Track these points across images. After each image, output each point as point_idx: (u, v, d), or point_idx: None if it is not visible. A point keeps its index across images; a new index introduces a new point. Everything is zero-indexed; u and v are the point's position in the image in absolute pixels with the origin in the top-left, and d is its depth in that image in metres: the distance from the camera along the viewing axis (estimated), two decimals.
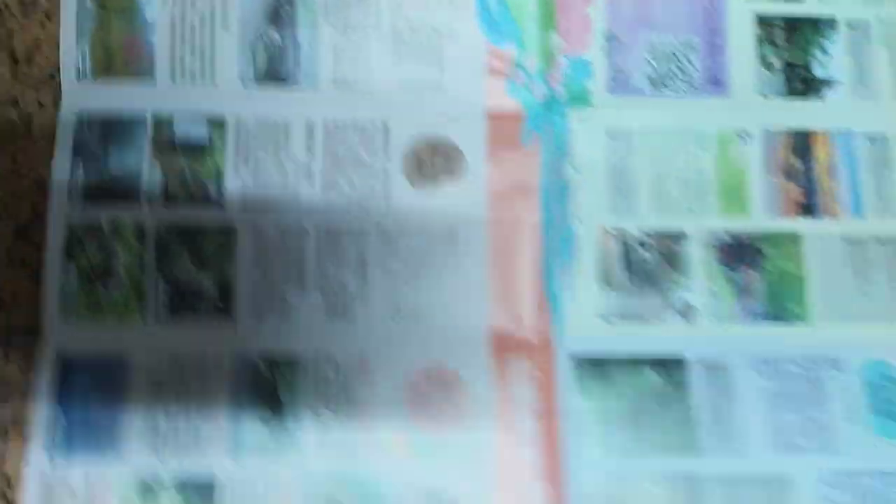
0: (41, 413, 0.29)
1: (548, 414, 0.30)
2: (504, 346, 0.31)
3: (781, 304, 0.32)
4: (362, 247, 0.31)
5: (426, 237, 0.31)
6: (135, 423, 0.29)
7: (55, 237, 0.30)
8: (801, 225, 0.32)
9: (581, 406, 0.30)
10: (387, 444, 0.30)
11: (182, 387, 0.30)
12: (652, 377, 0.31)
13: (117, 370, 0.30)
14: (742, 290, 0.32)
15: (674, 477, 0.30)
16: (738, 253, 0.32)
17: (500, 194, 0.32)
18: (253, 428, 0.30)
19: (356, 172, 0.31)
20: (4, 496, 0.29)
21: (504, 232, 0.32)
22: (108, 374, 0.30)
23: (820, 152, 0.33)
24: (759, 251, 0.32)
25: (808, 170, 0.33)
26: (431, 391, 0.30)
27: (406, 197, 0.31)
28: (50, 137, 0.31)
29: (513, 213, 0.32)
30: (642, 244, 0.32)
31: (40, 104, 0.32)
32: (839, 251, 0.32)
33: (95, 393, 0.30)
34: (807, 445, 0.31)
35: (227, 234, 0.31)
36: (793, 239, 0.32)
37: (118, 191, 0.31)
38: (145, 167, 0.31)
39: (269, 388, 0.30)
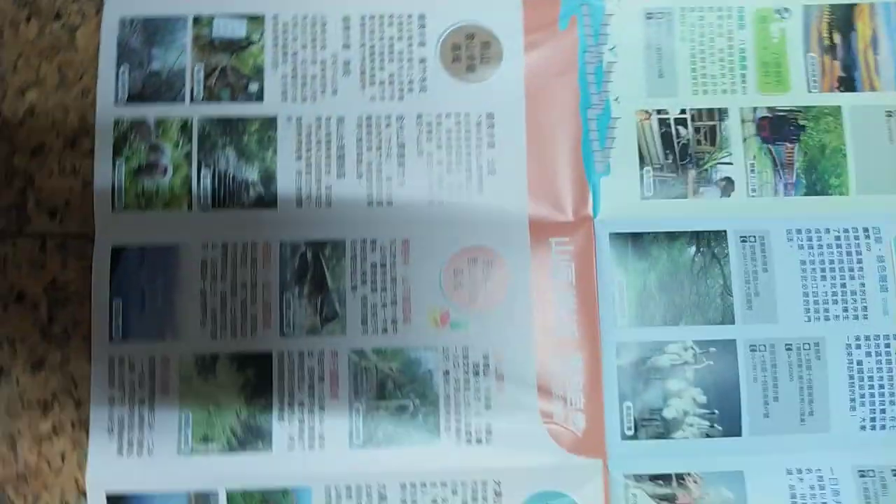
0: (100, 300, 0.33)
1: (587, 289, 0.33)
2: (543, 227, 0.34)
3: (820, 176, 0.34)
4: (400, 134, 0.34)
5: (464, 123, 0.34)
6: (189, 306, 0.33)
7: (104, 137, 0.34)
8: (841, 99, 0.34)
9: (619, 280, 0.33)
10: (427, 321, 0.33)
11: (231, 271, 0.33)
12: (689, 250, 0.33)
13: (168, 257, 0.33)
14: (781, 164, 0.34)
15: (709, 343, 0.33)
16: (778, 128, 0.34)
17: (538, 78, 0.34)
18: (300, 307, 0.33)
19: (393, 62, 0.34)
20: (72, 378, 0.33)
21: (542, 115, 0.34)
22: (160, 262, 0.33)
23: (861, 25, 0.35)
24: (798, 126, 0.34)
25: (849, 44, 0.35)
26: (471, 271, 0.33)
27: (443, 84, 0.34)
28: (94, 47, 0.34)
29: (551, 96, 0.34)
30: (681, 123, 0.34)
31: (83, 14, 0.35)
32: (880, 123, 0.34)
33: (149, 279, 0.33)
34: (839, 312, 0.33)
35: (267, 127, 0.34)
36: (833, 113, 0.34)
37: (162, 90, 0.34)
38: (188, 66, 0.34)
39: (314, 271, 0.33)
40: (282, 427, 0.32)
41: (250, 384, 0.32)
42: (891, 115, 0.34)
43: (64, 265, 0.33)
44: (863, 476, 0.32)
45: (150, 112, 0.34)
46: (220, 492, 0.32)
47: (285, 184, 0.33)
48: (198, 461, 0.32)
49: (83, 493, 0.32)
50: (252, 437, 0.32)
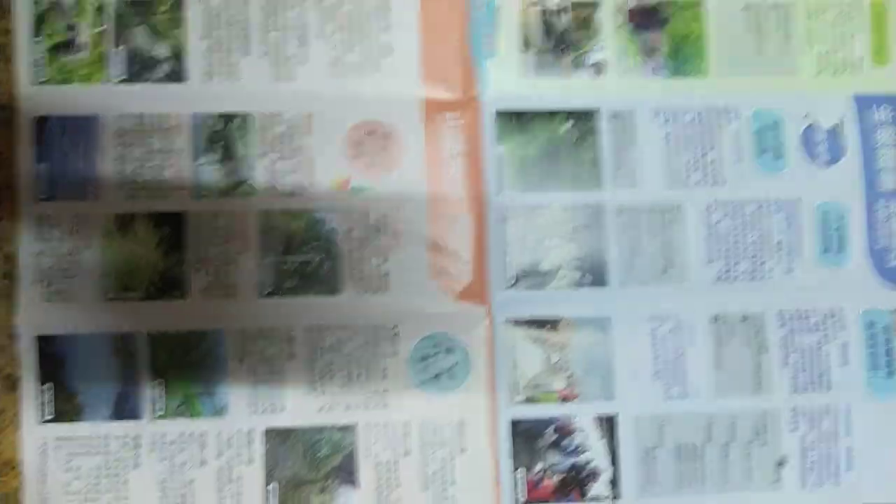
0: (26, 166, 0.45)
1: (473, 160, 0.47)
2: (435, 104, 0.47)
3: (683, 60, 0.48)
4: (303, 16, 0.47)
5: (362, 6, 0.47)
6: (108, 170, 0.46)
7: (24, 14, 0.46)
8: None
9: (503, 151, 0.47)
10: (330, 185, 0.46)
11: (147, 139, 0.46)
12: (565, 125, 0.47)
13: (89, 126, 0.46)
14: (648, 49, 0.48)
15: (581, 206, 0.47)
16: (646, 16, 0.48)
17: None
18: (211, 171, 0.46)
19: None
20: (3, 236, 0.45)
21: (433, 4, 0.48)
22: (81, 130, 0.46)
23: None
24: (664, 14, 0.48)
25: None
26: (369, 142, 0.47)
27: None
28: None
29: None
30: (560, 11, 0.48)
31: None
32: (738, 15, 0.48)
33: (71, 146, 0.46)
34: (698, 180, 0.47)
35: (177, 7, 0.47)
36: (696, 3, 0.48)
37: None
38: None
39: (223, 140, 0.46)
40: (196, 278, 0.45)
41: (166, 240, 0.45)
42: (748, 9, 0.48)
43: None
44: (715, 322, 0.47)
45: None
46: (141, 333, 0.45)
47: (195, 60, 0.46)
48: (120, 307, 0.45)
49: (15, 336, 0.44)
50: (169, 287, 0.45)
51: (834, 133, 0.46)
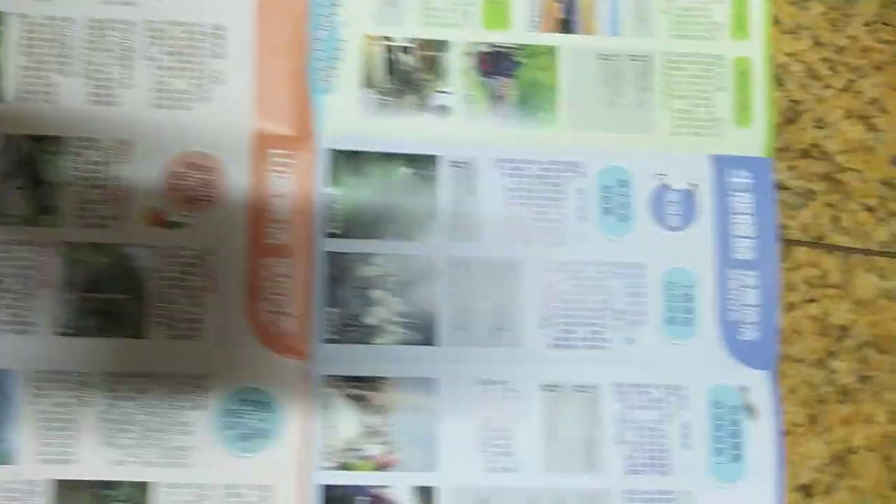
0: None
1: (303, 201, 0.46)
2: (266, 138, 0.46)
3: (531, 110, 0.47)
4: (129, 38, 0.46)
5: (193, 31, 0.46)
6: None
7: None
8: (558, 39, 0.48)
9: (335, 194, 0.46)
10: (142, 219, 0.45)
11: None
12: (402, 170, 0.46)
13: None
14: (496, 96, 0.47)
15: (412, 257, 0.46)
16: (496, 62, 0.48)
17: None
18: (16, 198, 0.44)
19: None
20: None
21: (271, 32, 0.47)
22: None
23: None
24: (515, 61, 0.48)
25: None
26: (189, 175, 0.45)
27: None
28: None
29: (281, 12, 0.47)
30: (405, 50, 0.47)
31: None
32: (592, 65, 0.48)
33: None
34: (538, 238, 0.46)
35: None
36: (549, 51, 0.48)
37: None
38: None
39: (31, 165, 0.45)
40: None
41: None
42: (604, 58, 0.48)
43: None
44: (548, 390, 0.45)
45: None
46: None
47: (11, 78, 0.45)
48: None
49: None
50: None
51: (687, 195, 0.45)
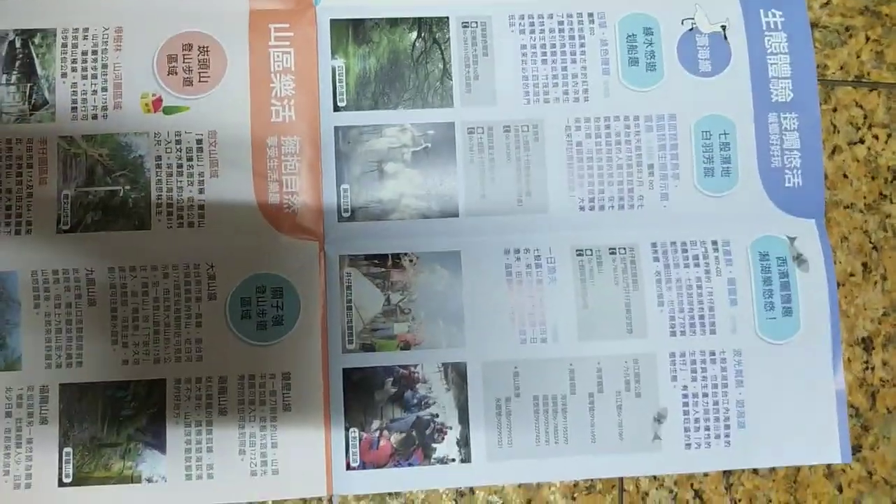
0: None
1: (306, 75, 0.43)
2: (263, 14, 0.43)
3: None
4: None
5: None
6: None
7: None
8: None
9: (339, 65, 0.43)
10: (138, 106, 0.42)
11: None
12: (410, 35, 0.43)
13: None
14: None
15: (427, 126, 0.42)
16: None
17: None
18: (8, 94, 0.42)
19: None
20: None
21: None
22: None
23: None
24: None
25: None
26: (185, 56, 0.43)
27: None
28: None
29: None
30: None
31: None
32: None
33: None
34: (559, 96, 0.43)
35: None
36: None
37: None
38: None
39: (23, 59, 0.42)
40: None
41: None
42: None
43: None
44: (580, 255, 0.42)
45: None
46: None
47: None
48: None
49: None
50: None
51: (718, 39, 0.42)
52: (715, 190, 0.41)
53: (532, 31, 0.42)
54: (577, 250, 0.41)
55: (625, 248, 0.41)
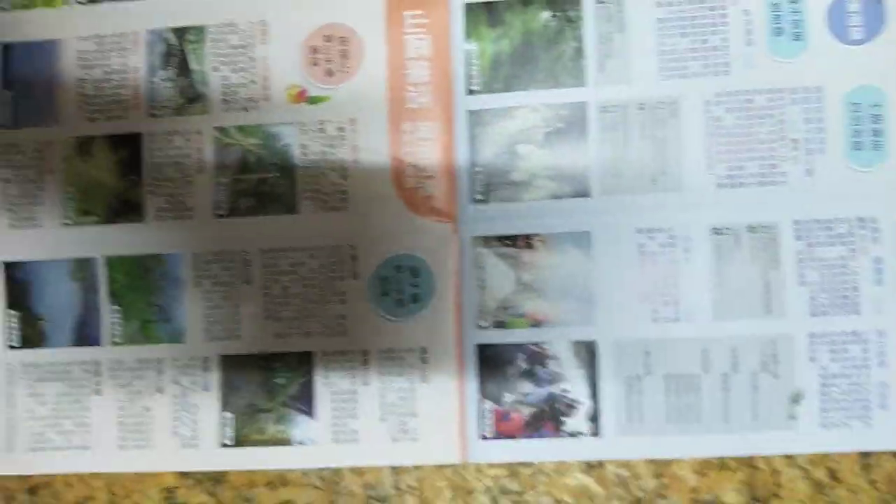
0: None
1: (441, 60, 0.44)
2: (399, 3, 0.44)
3: None
4: None
5: None
6: (68, 94, 0.46)
7: None
8: None
9: (473, 49, 0.44)
10: (284, 97, 0.45)
11: (104, 60, 0.46)
12: (542, 14, 0.43)
13: (50, 51, 0.47)
14: None
15: (560, 106, 0.43)
16: None
17: None
18: (166, 88, 0.46)
19: None
20: None
21: None
22: (43, 56, 0.47)
23: None
24: None
25: None
26: (327, 48, 0.45)
27: None
28: None
29: None
30: None
31: None
32: None
33: (34, 72, 0.47)
34: (698, 70, 0.42)
35: None
36: None
37: None
38: None
39: (178, 56, 0.46)
40: (152, 200, 0.45)
41: (123, 162, 0.45)
42: None
43: None
44: (717, 234, 0.41)
45: None
46: (98, 257, 0.45)
47: None
48: (79, 231, 0.45)
49: None
50: (126, 210, 0.45)
51: (872, 2, 0.39)
52: (864, 164, 0.39)
53: (670, 4, 0.41)
54: (713, 229, 0.40)
55: (765, 226, 0.39)
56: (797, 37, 0.40)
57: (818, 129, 0.39)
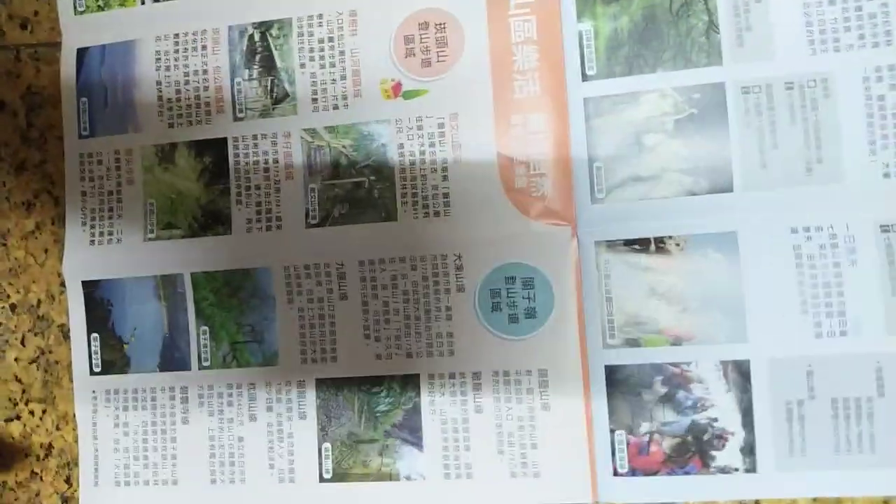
0: (69, 101, 0.43)
1: (550, 43, 0.38)
2: None
3: None
4: None
5: None
6: (147, 98, 0.42)
7: None
8: None
9: (586, 28, 0.38)
10: (378, 93, 0.40)
11: (183, 60, 0.42)
12: None
13: (126, 53, 0.43)
14: None
15: (692, 89, 0.37)
16: None
17: None
18: (251, 89, 0.41)
19: None
20: (50, 177, 0.44)
21: None
22: (118, 58, 0.43)
23: None
24: None
25: None
26: (422, 36, 0.40)
27: None
28: None
29: None
30: None
31: None
32: None
33: (110, 76, 0.43)
34: (852, 42, 0.35)
35: None
36: None
37: None
38: None
39: (262, 52, 0.41)
40: (239, 210, 0.41)
41: (208, 170, 0.41)
42: None
43: (37, 72, 0.44)
44: (885, 231, 0.35)
45: None
46: (184, 274, 0.41)
47: None
48: (163, 246, 0.41)
49: (64, 285, 0.42)
50: (212, 222, 0.41)
51: None
52: None
53: None
54: (881, 226, 0.34)
55: None
56: None
57: None
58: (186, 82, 0.41)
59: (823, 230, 0.34)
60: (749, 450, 0.34)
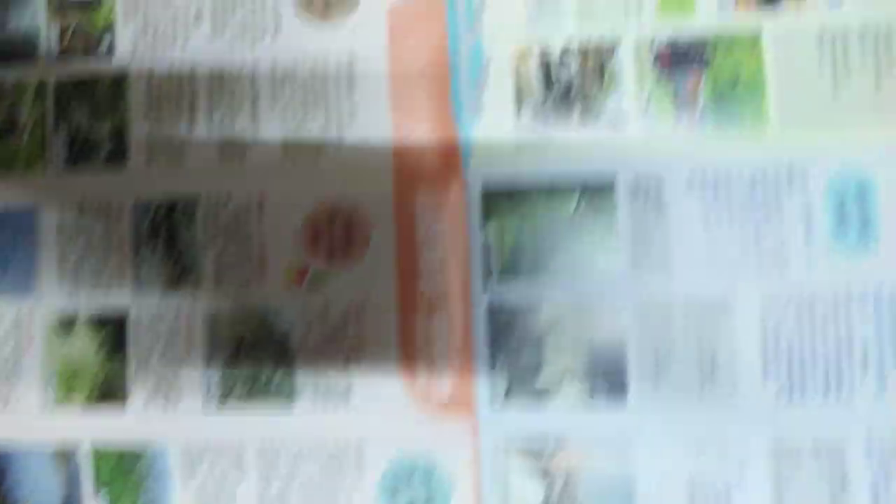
0: None
1: (455, 245, 0.38)
2: (409, 179, 0.39)
3: (732, 109, 0.37)
4: (254, 86, 0.40)
5: (321, 73, 0.40)
6: (48, 266, 0.41)
7: None
8: (759, 21, 0.37)
9: (492, 235, 0.38)
10: (283, 279, 0.39)
11: (87, 231, 0.41)
12: (570, 202, 0.38)
13: (28, 220, 0.41)
14: (683, 97, 0.37)
15: (593, 298, 0.37)
16: (681, 57, 0.38)
17: (401, 21, 0.39)
18: (154, 266, 0.40)
19: (245, 11, 0.41)
20: None
21: (406, 61, 0.39)
22: (20, 225, 0.41)
23: None
24: (705, 54, 0.37)
25: None
26: (330, 226, 0.39)
27: (298, 33, 0.40)
28: None
29: (415, 39, 0.39)
30: (565, 57, 0.38)
31: None
32: (810, 46, 0.37)
33: (11, 241, 0.41)
34: (751, 269, 0.36)
35: (119, 84, 0.41)
36: (751, 36, 0.37)
37: (18, 51, 0.42)
38: (42, 27, 0.42)
39: (166, 230, 0.40)
40: (136, 386, 0.40)
41: (107, 343, 0.40)
42: (821, 40, 0.37)
43: None
44: (776, 452, 0.36)
45: (7, 74, 0.42)
46: (82, 446, 0.40)
47: (137, 141, 0.41)
48: (61, 416, 0.40)
49: None
50: (110, 395, 0.40)
51: None
52: None
53: (717, 193, 0.35)
54: (772, 446, 0.34)
55: (831, 446, 0.34)
56: (863, 234, 0.35)
57: (891, 339, 0.34)
58: (89, 253, 0.40)
59: (715, 444, 0.35)
60: None
